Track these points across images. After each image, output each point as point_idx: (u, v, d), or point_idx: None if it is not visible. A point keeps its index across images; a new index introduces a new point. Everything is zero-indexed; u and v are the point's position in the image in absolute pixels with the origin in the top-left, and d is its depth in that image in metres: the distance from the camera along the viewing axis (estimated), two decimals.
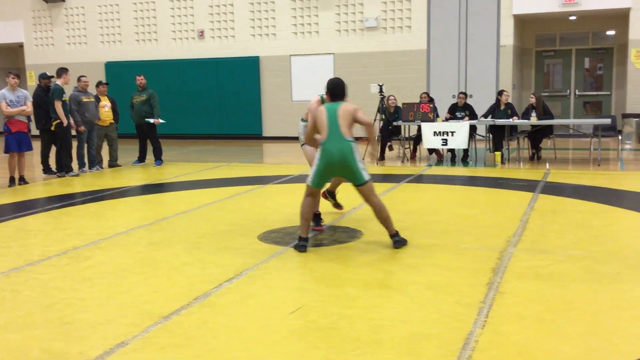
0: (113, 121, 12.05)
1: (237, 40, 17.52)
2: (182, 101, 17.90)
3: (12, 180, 9.92)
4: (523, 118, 11.62)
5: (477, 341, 3.58)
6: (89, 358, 3.48)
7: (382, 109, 12.37)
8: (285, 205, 7.75)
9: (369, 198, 5.59)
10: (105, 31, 18.88)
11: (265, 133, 17.16)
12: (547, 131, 11.63)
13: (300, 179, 10.10)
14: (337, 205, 6.98)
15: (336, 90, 5.66)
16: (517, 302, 4.22)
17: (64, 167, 10.84)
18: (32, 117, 10.61)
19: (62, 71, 10.85)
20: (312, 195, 5.69)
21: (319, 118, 5.57)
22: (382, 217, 5.63)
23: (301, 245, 5.58)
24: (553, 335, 3.68)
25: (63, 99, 10.56)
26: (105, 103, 11.92)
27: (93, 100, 11.46)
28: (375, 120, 12.72)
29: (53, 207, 8.15)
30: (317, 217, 6.37)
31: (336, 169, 5.53)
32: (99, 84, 12.10)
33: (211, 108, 17.92)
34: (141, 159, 12.49)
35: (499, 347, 3.52)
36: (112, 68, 18.52)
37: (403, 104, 12.04)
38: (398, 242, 5.62)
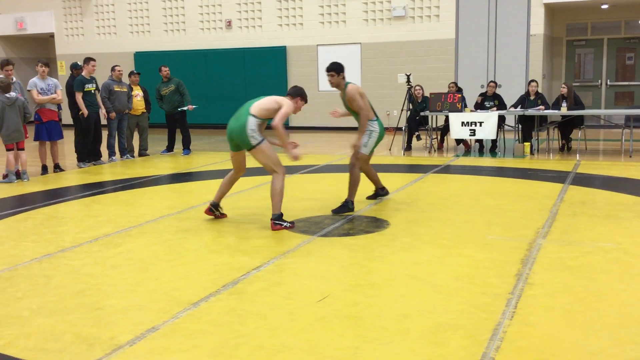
0: (145, 110, 12.20)
1: (264, 30, 17.54)
2: (210, 91, 18.01)
3: (44, 169, 10.10)
4: (553, 108, 11.46)
5: (505, 332, 3.57)
6: (120, 343, 3.55)
7: (409, 99, 12.30)
8: (311, 195, 7.78)
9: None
10: (134, 21, 19.06)
11: (292, 123, 17.17)
12: (578, 122, 11.46)
13: (326, 169, 10.13)
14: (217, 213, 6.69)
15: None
16: (546, 294, 4.19)
17: (84, 156, 10.91)
18: (62, 106, 10.73)
19: (85, 61, 10.76)
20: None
21: None
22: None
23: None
24: (581, 326, 3.65)
25: (86, 89, 10.61)
26: (138, 92, 12.06)
27: (125, 90, 11.59)
28: (402, 110, 12.68)
29: (84, 195, 8.28)
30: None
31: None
32: (131, 73, 12.26)
33: (238, 98, 17.79)
34: (170, 148, 12.63)
35: (527, 338, 3.50)
36: (141, 58, 18.70)
37: (431, 94, 11.95)
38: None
